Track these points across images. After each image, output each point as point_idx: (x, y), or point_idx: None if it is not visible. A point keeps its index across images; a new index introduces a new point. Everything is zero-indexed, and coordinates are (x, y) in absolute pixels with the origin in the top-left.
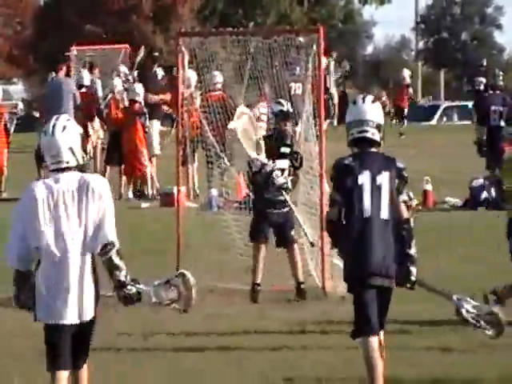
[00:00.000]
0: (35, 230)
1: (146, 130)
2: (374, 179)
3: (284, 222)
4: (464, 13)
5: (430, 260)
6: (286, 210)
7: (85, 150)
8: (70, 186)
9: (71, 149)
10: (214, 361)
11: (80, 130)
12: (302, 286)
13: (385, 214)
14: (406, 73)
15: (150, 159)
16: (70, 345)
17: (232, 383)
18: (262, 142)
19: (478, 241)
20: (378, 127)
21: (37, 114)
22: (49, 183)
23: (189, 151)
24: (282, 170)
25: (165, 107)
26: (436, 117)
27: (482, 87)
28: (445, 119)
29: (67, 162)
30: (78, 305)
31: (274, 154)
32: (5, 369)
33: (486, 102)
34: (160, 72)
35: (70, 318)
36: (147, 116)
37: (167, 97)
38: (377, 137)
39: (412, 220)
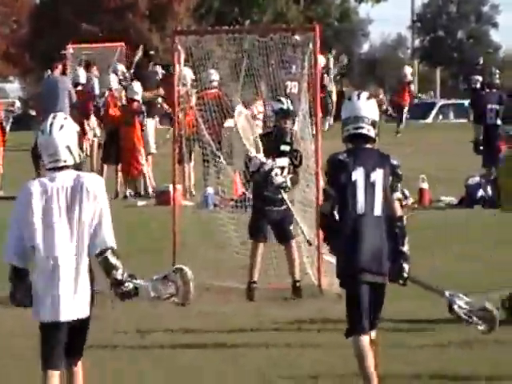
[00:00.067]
0: (29, 229)
1: (144, 128)
2: (367, 176)
3: (283, 219)
4: (460, 11)
5: (426, 258)
6: (285, 207)
7: (81, 148)
8: (64, 185)
9: (68, 147)
10: (210, 358)
11: (77, 128)
12: (298, 284)
13: (378, 210)
14: (408, 70)
15: (145, 157)
16: (63, 344)
17: (229, 380)
18: (259, 141)
19: (474, 239)
20: (373, 124)
21: (33, 113)
22: (44, 181)
23: (185, 149)
24: (282, 168)
25: (165, 106)
26: (432, 115)
27: (478, 85)
28: (441, 117)
29: (65, 161)
30: (72, 303)
31: (273, 152)
32: (5, 369)
33: (483, 101)
34: (159, 70)
35: (64, 316)
36: (145, 114)
37: (160, 91)
38: (372, 133)
39: (405, 218)
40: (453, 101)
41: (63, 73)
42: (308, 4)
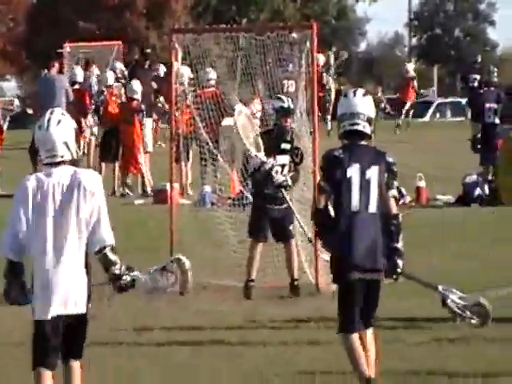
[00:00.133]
0: (25, 224)
1: (142, 127)
2: (363, 173)
3: (283, 217)
4: (457, 9)
5: (423, 256)
6: (286, 206)
7: (78, 146)
8: (61, 181)
9: (66, 143)
10: (207, 356)
11: (74, 124)
12: (296, 282)
13: (373, 207)
14: (410, 66)
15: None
16: (59, 342)
17: (226, 378)
18: (260, 140)
19: (471, 237)
20: (369, 120)
21: (30, 111)
22: (40, 177)
23: (182, 148)
24: (283, 166)
25: (167, 105)
26: (429, 113)
27: (475, 84)
28: (438, 115)
29: (62, 156)
30: (68, 299)
31: (274, 150)
32: (5, 369)
33: (481, 99)
34: (162, 69)
35: (60, 312)
36: (144, 113)
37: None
38: (367, 130)
39: (401, 215)
40: (450, 99)
41: (60, 71)
42: (305, 2)
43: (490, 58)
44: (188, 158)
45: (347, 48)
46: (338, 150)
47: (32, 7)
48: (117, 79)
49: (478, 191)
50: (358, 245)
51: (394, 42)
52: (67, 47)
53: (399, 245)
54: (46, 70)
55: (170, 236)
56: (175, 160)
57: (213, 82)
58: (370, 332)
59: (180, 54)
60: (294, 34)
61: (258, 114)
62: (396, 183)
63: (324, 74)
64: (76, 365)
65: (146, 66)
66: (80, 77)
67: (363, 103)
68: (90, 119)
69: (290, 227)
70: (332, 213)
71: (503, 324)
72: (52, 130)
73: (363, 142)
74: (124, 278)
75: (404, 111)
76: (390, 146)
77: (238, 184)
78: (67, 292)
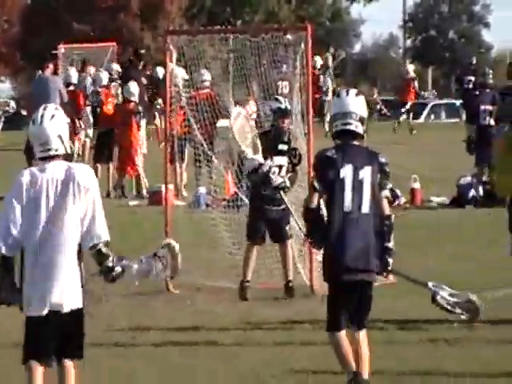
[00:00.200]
0: (19, 219)
1: (140, 128)
2: (356, 173)
3: (280, 218)
4: (452, 11)
5: (419, 257)
6: (284, 207)
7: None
8: (54, 176)
9: (60, 137)
10: (204, 357)
11: (67, 119)
12: (291, 284)
13: (366, 208)
14: (411, 67)
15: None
16: (51, 338)
17: (223, 379)
18: (258, 141)
19: (467, 238)
20: (362, 120)
21: (24, 112)
22: (34, 172)
23: (177, 149)
24: (280, 167)
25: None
26: (424, 115)
27: (470, 86)
28: (432, 117)
29: (56, 150)
30: (61, 294)
31: (271, 151)
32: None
33: (476, 101)
34: (161, 71)
35: (53, 307)
36: (142, 115)
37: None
38: (360, 129)
39: (393, 216)
40: (444, 100)
41: (55, 73)
42: (300, 3)
43: (485, 59)
44: (183, 159)
45: (342, 49)
46: (330, 150)
47: (26, 8)
48: (111, 79)
49: (472, 193)
50: (350, 245)
51: (388, 44)
52: (62, 48)
53: (390, 244)
54: (40, 71)
55: (164, 237)
56: (170, 161)
57: (207, 84)
58: (363, 334)
59: (174, 56)
60: (289, 36)
61: (253, 116)
62: (390, 185)
63: (321, 76)
64: (69, 365)
65: (140, 67)
66: (74, 78)
67: (356, 103)
68: (86, 121)
69: (287, 228)
70: (324, 212)
71: (498, 326)
72: (46, 124)
73: (355, 142)
74: (116, 269)
75: (404, 111)
76: (386, 147)
77: (233, 185)
78: (62, 288)
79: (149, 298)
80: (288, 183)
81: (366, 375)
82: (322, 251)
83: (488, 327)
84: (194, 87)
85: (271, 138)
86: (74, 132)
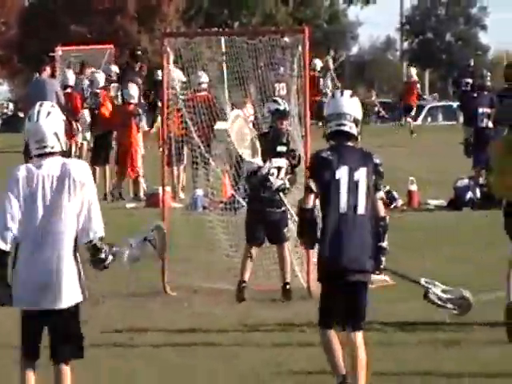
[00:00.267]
0: (15, 214)
1: (139, 130)
2: (351, 174)
3: (279, 220)
4: (449, 13)
5: (416, 259)
6: (283, 209)
7: (70, 150)
8: (51, 172)
9: (56, 134)
10: (203, 357)
11: (63, 117)
12: (288, 286)
13: (361, 209)
14: (413, 71)
15: None
16: (41, 334)
17: (223, 379)
18: (258, 143)
19: (465, 240)
20: (356, 121)
21: (22, 115)
22: (30, 168)
23: (174, 151)
24: (279, 169)
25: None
26: (421, 117)
27: (468, 88)
28: (429, 119)
29: (52, 147)
30: (53, 292)
31: (270, 152)
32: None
33: (474, 104)
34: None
35: (44, 304)
36: (141, 117)
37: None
38: (354, 130)
39: (388, 217)
40: (441, 103)
41: (52, 75)
42: (297, 6)
43: (482, 62)
44: (181, 161)
45: (341, 51)
46: (325, 152)
47: (24, 11)
48: (109, 81)
49: (469, 195)
50: (346, 246)
51: (385, 46)
52: (59, 51)
53: (384, 244)
54: (37, 74)
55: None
56: (167, 163)
57: (205, 86)
58: (359, 336)
59: (172, 58)
60: (286, 38)
61: (251, 118)
62: (387, 187)
63: (321, 79)
64: (65, 366)
65: (137, 69)
66: (71, 81)
67: (350, 104)
68: (83, 123)
69: (285, 230)
70: (318, 213)
71: (497, 327)
72: (42, 122)
73: (350, 143)
74: (108, 258)
75: (413, 115)
76: (384, 150)
77: (230, 188)
78: (53, 284)
79: (146, 300)
80: (288, 184)
81: (362, 381)
82: (316, 252)
83: (487, 329)
84: (192, 89)
85: (270, 140)
86: (71, 134)
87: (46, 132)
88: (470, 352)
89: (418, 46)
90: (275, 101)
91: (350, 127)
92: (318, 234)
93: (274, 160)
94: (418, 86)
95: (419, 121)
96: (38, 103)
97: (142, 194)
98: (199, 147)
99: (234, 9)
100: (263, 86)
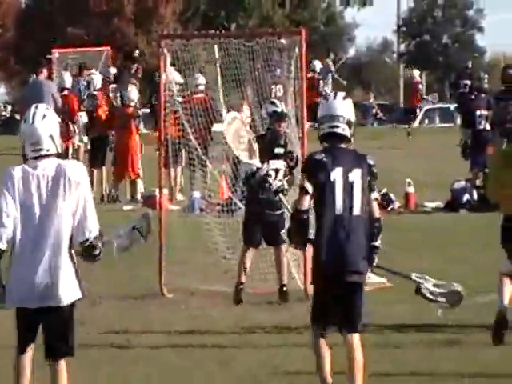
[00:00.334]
0: (11, 213)
1: (139, 132)
2: (346, 176)
3: (277, 222)
4: (445, 15)
5: (413, 260)
6: (281, 211)
7: (67, 152)
8: (46, 172)
9: (51, 136)
10: (200, 359)
11: (58, 119)
12: (285, 288)
13: (357, 210)
14: (416, 73)
15: None
16: (35, 330)
17: (220, 380)
18: (256, 145)
19: (462, 242)
20: (349, 123)
21: (18, 117)
22: (26, 168)
23: (171, 153)
24: (277, 171)
25: None
26: (418, 119)
27: (466, 90)
28: (426, 121)
29: (47, 150)
30: (51, 290)
31: (267, 154)
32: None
33: (472, 106)
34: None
35: (39, 302)
36: (140, 119)
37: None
38: (347, 132)
39: (382, 218)
40: (438, 105)
41: (49, 77)
42: (294, 8)
43: (479, 64)
44: (178, 163)
45: (340, 53)
46: (320, 154)
47: (21, 13)
48: (107, 82)
49: (466, 197)
50: (342, 247)
51: (382, 48)
52: (56, 53)
53: (377, 243)
54: (34, 76)
55: (159, 242)
56: (164, 165)
57: (202, 88)
58: (356, 337)
59: (169, 60)
60: (283, 40)
61: (248, 120)
62: (384, 189)
63: (320, 81)
64: (62, 366)
65: (133, 70)
66: (68, 83)
67: (343, 106)
68: (80, 126)
69: (282, 232)
70: (312, 215)
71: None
72: (37, 124)
73: (343, 145)
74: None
75: (420, 117)
76: (382, 152)
77: (227, 190)
78: (55, 282)
79: (143, 302)
80: (286, 186)
81: (361, 379)
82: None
83: (485, 330)
84: (189, 91)
85: (267, 142)
86: (67, 136)
87: (41, 134)
88: (469, 353)
89: (415, 48)
90: (273, 103)
91: (343, 129)
92: (310, 234)
93: (271, 162)
94: (420, 86)
95: (416, 123)
96: (34, 105)
97: (139, 196)
98: (196, 149)
99: (231, 11)
100: (260, 87)
